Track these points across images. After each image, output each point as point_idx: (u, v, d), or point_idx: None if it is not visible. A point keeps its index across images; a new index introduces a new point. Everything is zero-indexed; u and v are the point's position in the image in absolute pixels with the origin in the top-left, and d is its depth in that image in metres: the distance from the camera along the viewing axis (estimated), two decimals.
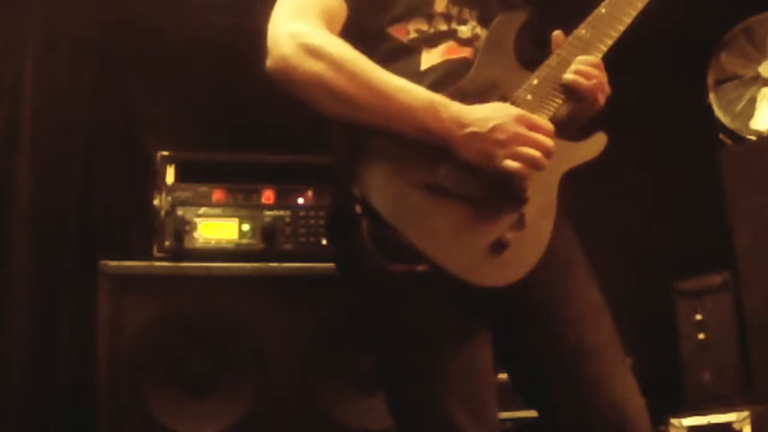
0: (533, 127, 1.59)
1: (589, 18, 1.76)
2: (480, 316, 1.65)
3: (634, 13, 1.77)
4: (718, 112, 3.35)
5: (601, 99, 1.73)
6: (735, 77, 3.36)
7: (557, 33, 1.76)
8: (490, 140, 1.56)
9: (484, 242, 1.55)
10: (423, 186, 1.55)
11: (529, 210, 1.59)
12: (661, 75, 3.60)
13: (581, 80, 1.68)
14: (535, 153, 1.56)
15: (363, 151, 1.59)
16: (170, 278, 2.53)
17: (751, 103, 3.33)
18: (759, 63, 3.34)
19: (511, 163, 1.55)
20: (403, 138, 1.56)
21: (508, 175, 1.56)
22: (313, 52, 1.60)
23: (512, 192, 1.58)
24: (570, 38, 1.74)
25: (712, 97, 3.37)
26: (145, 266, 2.59)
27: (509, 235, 1.56)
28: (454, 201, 1.56)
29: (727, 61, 3.38)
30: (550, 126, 1.62)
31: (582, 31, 1.75)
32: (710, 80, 3.38)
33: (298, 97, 1.63)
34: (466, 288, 1.53)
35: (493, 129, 1.56)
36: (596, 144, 1.71)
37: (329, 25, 1.69)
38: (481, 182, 1.57)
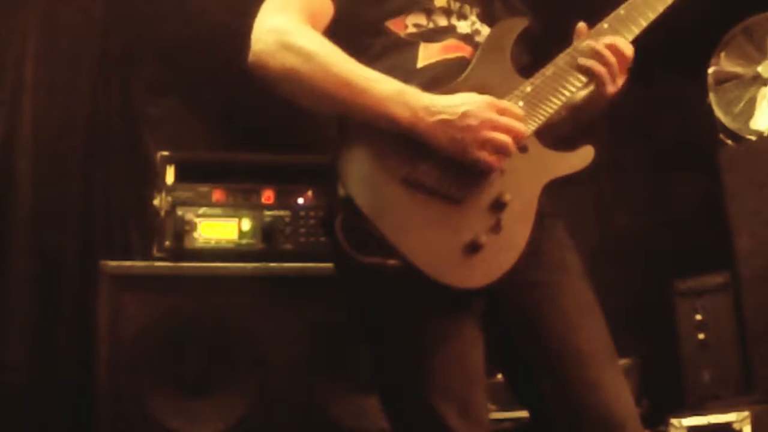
0: (502, 111, 1.58)
1: (591, 31, 1.75)
2: (472, 316, 1.65)
3: (637, 31, 1.76)
4: (718, 112, 3.35)
5: (611, 89, 1.71)
6: (735, 77, 3.36)
7: (581, 24, 1.75)
8: (460, 127, 1.55)
9: (457, 242, 1.55)
10: (403, 180, 1.55)
11: (507, 215, 1.59)
12: (661, 75, 3.60)
13: (595, 65, 1.68)
14: (505, 138, 1.56)
15: (348, 142, 1.59)
16: (170, 278, 2.53)
17: (751, 103, 3.33)
18: (759, 63, 3.33)
19: (482, 155, 1.55)
20: (383, 130, 1.56)
21: (479, 165, 1.56)
22: (287, 46, 1.62)
23: (490, 193, 1.58)
24: (569, 50, 1.74)
25: (712, 97, 3.37)
26: (145, 266, 2.59)
27: (484, 238, 1.55)
28: (432, 198, 1.56)
29: (727, 61, 3.38)
30: (519, 111, 1.62)
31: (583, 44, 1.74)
32: (710, 80, 3.38)
33: (276, 90, 1.65)
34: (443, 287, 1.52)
35: (464, 115, 1.55)
36: (583, 156, 1.70)
37: (313, 20, 1.70)
38: (460, 182, 1.57)
